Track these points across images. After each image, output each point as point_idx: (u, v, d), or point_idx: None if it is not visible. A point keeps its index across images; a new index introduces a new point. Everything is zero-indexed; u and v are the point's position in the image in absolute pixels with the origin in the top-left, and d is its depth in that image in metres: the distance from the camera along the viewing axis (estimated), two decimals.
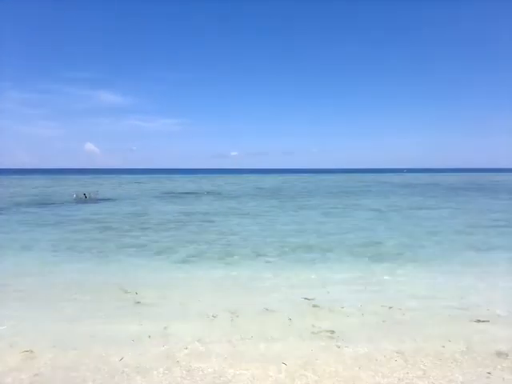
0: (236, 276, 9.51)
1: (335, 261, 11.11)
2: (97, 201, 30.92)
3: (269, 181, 76.89)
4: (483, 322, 6.18)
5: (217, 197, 36.07)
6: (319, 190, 47.82)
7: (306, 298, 7.48)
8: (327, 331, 5.84)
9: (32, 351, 5.16)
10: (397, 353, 5.08)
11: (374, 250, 12.40)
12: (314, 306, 7.06)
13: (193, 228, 17.37)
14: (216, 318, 6.47)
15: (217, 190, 47.63)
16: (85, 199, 31.41)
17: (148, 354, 5.10)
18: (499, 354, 5.04)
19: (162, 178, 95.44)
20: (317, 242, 13.91)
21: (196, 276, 9.58)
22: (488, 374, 4.51)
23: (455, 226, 17.45)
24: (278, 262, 11.08)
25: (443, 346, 5.26)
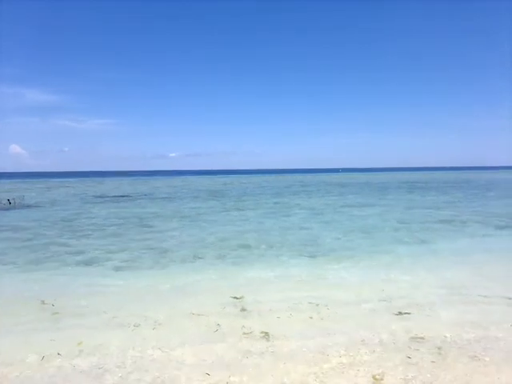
0: (168, 281, 9.16)
1: (272, 260, 11.16)
2: (23, 207, 28.69)
3: (209, 182, 76.35)
4: (404, 313, 6.48)
5: (154, 200, 35.05)
6: (260, 190, 48.27)
7: (235, 298, 7.40)
8: (256, 331, 5.78)
9: None
10: (325, 346, 5.17)
11: (309, 249, 12.64)
12: (244, 306, 6.98)
13: (127, 233, 16.64)
14: (138, 326, 6.14)
15: (154, 192, 46.33)
16: (9, 206, 29.03)
17: (63, 370, 4.69)
18: (416, 339, 5.32)
19: (96, 180, 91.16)
20: (255, 242, 13.92)
21: (127, 284, 9.09)
22: (408, 359, 4.75)
23: (385, 222, 18.38)
24: (214, 264, 10.89)
25: (369, 337, 5.43)
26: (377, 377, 4.35)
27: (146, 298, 7.75)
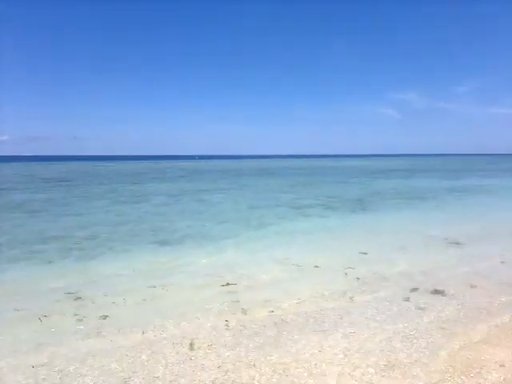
0: None
1: (119, 251, 10.83)
2: None
3: (51, 169, 69.27)
4: (232, 284, 7.50)
5: None
6: (110, 177, 46.05)
7: (69, 293, 7.21)
8: (92, 322, 5.86)
9: None
10: (152, 322, 5.70)
11: (161, 236, 12.68)
12: (78, 298, 6.91)
13: None
14: None
15: None
16: None
17: None
18: (237, 307, 6.17)
19: None
20: (104, 233, 13.33)
21: None
22: (225, 322, 5.46)
23: (236, 207, 19.67)
24: (53, 260, 9.96)
25: (196, 310, 6.12)
26: (194, 346, 4.89)
27: None
